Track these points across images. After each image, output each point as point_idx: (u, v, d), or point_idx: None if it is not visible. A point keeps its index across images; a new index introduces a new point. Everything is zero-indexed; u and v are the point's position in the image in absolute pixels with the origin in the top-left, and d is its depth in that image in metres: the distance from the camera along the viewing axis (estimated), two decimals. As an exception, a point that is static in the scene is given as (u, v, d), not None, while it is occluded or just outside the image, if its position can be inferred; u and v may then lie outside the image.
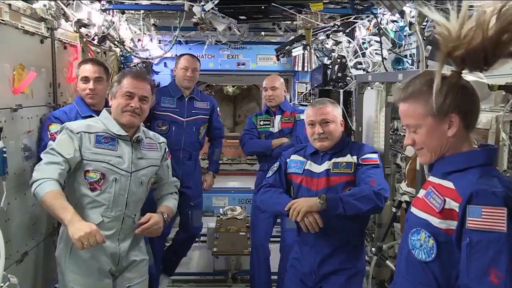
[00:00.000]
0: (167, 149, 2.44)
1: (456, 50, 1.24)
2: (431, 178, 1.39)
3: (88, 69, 2.70)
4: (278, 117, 3.75)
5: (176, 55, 4.71)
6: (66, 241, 2.15)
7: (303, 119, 2.79)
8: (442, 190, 1.30)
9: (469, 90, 1.31)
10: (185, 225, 3.81)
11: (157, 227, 2.21)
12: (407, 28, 2.89)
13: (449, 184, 1.29)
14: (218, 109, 3.92)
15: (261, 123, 3.78)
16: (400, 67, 3.05)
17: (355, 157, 2.36)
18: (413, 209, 1.40)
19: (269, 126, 3.76)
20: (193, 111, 3.66)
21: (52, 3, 2.63)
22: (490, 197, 1.16)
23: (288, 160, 2.52)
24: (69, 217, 1.89)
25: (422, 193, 1.40)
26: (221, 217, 5.04)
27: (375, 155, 2.38)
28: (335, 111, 2.43)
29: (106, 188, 2.13)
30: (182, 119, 3.61)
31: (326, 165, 2.39)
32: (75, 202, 2.14)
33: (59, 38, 2.85)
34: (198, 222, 3.85)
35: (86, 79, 2.68)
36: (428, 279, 1.30)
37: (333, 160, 2.38)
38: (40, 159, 2.17)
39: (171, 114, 3.58)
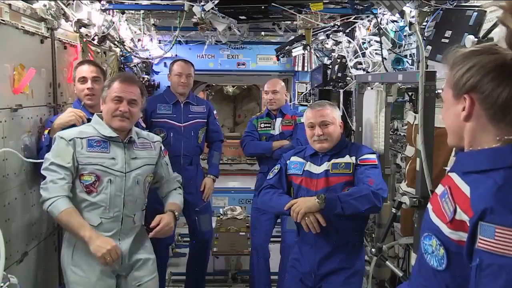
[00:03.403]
0: (162, 147, 2.47)
1: None
2: (452, 175, 1.18)
3: (85, 70, 2.71)
4: (279, 120, 3.76)
5: (176, 55, 4.72)
6: (68, 245, 2.21)
7: (303, 122, 2.81)
8: (457, 194, 1.11)
9: (509, 75, 1.06)
10: (195, 232, 3.78)
11: (169, 228, 2.26)
12: (407, 28, 2.89)
13: (465, 188, 1.09)
14: (215, 112, 3.90)
15: (262, 125, 3.80)
16: (400, 67, 3.05)
17: (353, 158, 2.38)
18: (429, 207, 1.23)
19: (270, 128, 3.78)
20: (190, 116, 3.65)
21: (52, 3, 2.62)
22: (506, 216, 0.97)
23: (288, 161, 2.54)
24: (88, 234, 2.05)
25: (439, 189, 1.21)
26: (221, 217, 5.05)
27: (373, 156, 2.39)
28: (334, 113, 2.45)
29: (102, 190, 2.16)
30: (180, 124, 3.60)
31: (325, 166, 2.40)
32: (74, 205, 2.17)
33: (59, 38, 2.85)
34: (207, 227, 3.80)
35: (83, 79, 2.69)
36: (439, 287, 1.16)
37: (332, 161, 2.40)
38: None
39: (168, 120, 3.58)
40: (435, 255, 1.15)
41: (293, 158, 2.53)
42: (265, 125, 3.80)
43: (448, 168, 2.24)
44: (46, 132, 2.47)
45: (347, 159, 2.39)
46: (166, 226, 2.23)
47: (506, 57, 1.07)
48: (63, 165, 2.11)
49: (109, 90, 2.23)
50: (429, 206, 1.23)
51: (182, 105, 3.64)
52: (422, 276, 1.22)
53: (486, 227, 0.99)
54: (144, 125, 3.29)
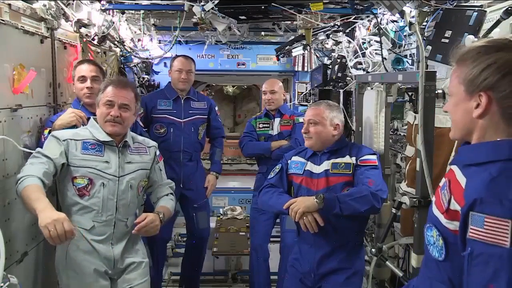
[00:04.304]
0: (157, 153, 2.47)
1: None
2: (453, 167, 1.20)
3: (85, 69, 2.71)
4: (277, 120, 3.76)
5: (176, 55, 4.72)
6: (62, 248, 2.18)
7: (301, 122, 2.83)
8: (454, 185, 1.14)
9: None
10: (192, 228, 3.78)
11: (153, 225, 2.21)
12: (407, 28, 2.89)
13: (463, 180, 1.12)
14: (216, 108, 3.89)
15: (261, 125, 3.80)
16: (400, 67, 3.05)
17: (354, 158, 2.39)
18: (433, 200, 1.26)
19: (268, 128, 3.77)
20: (190, 112, 3.65)
21: (52, 3, 2.63)
22: (495, 206, 1.00)
23: (289, 161, 2.56)
24: (41, 206, 1.84)
25: (442, 182, 1.24)
26: (221, 217, 5.05)
27: (373, 157, 2.39)
28: (327, 113, 2.45)
29: (95, 193, 2.16)
30: (180, 120, 3.60)
31: (325, 166, 2.41)
32: (66, 209, 2.17)
33: (59, 38, 2.85)
34: (204, 224, 3.80)
35: (83, 78, 2.69)
36: (442, 277, 1.19)
37: (332, 160, 2.41)
38: None
39: (168, 116, 3.57)
40: (436, 245, 1.18)
41: (294, 158, 2.55)
42: (264, 125, 3.80)
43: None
44: (46, 132, 2.47)
45: (347, 159, 2.40)
46: (150, 223, 2.19)
47: None
48: (48, 155, 2.08)
49: (102, 94, 2.24)
50: (433, 199, 1.26)
51: (182, 101, 3.64)
52: (428, 267, 1.25)
53: (476, 217, 1.02)
54: (142, 125, 3.28)
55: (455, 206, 1.11)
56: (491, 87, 1.09)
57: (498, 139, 1.10)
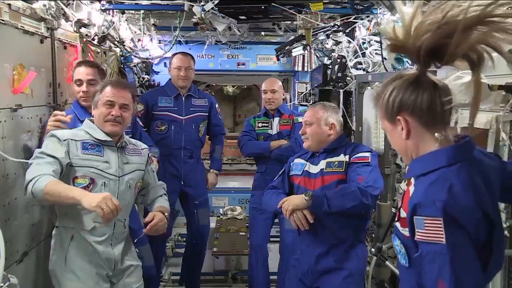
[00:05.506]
0: (150, 155, 2.49)
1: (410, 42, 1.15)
2: (412, 179, 1.32)
3: (81, 72, 2.68)
4: (276, 120, 3.75)
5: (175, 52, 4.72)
6: (60, 251, 2.17)
7: (301, 122, 2.84)
8: (406, 195, 1.27)
9: (425, 85, 1.21)
10: (192, 225, 3.79)
11: (162, 223, 2.24)
12: (407, 28, 2.88)
13: (412, 189, 1.25)
14: (217, 106, 3.89)
15: (259, 125, 3.78)
16: (400, 67, 3.05)
17: (347, 157, 2.41)
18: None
19: (267, 128, 3.76)
20: (191, 109, 3.65)
21: (52, 3, 2.62)
22: (430, 208, 1.12)
23: (291, 163, 2.61)
24: (78, 192, 1.91)
25: None
26: (221, 217, 5.05)
27: (367, 154, 2.41)
28: (320, 113, 2.48)
29: (96, 193, 2.14)
30: (181, 117, 3.60)
31: (321, 165, 2.45)
32: (65, 210, 2.16)
33: (59, 38, 2.85)
34: (204, 221, 3.82)
35: (79, 82, 2.67)
36: (412, 283, 1.27)
37: (327, 159, 2.43)
38: None
39: (169, 113, 3.58)
40: (401, 253, 1.28)
41: (296, 160, 2.60)
42: (263, 124, 3.78)
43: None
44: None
45: (341, 157, 2.43)
46: (160, 221, 2.21)
47: (412, 75, 1.24)
48: (53, 155, 2.04)
49: (101, 95, 2.22)
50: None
51: (183, 98, 3.64)
52: (402, 275, 1.37)
53: (418, 220, 1.15)
54: (142, 125, 3.28)
55: (403, 213, 1.24)
56: (400, 107, 1.24)
57: (437, 149, 1.23)
